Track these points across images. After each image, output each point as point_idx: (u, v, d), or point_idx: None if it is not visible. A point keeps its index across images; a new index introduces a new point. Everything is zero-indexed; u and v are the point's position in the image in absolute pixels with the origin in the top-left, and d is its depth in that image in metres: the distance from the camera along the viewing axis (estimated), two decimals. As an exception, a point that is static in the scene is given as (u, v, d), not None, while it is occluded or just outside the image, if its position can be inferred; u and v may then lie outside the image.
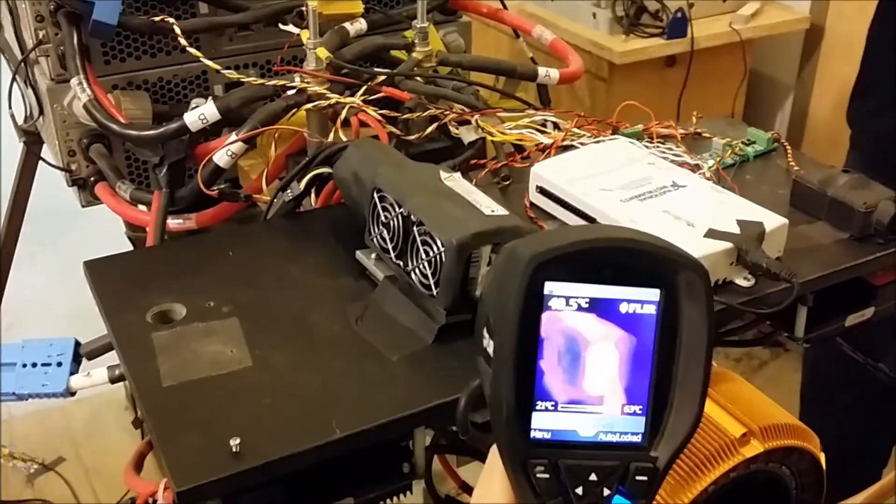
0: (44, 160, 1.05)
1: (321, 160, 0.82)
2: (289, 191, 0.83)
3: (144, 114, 1.02)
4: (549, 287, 0.44)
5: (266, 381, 0.64)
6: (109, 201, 1.02)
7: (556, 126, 0.96)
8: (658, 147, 0.89)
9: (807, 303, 0.76)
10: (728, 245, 0.72)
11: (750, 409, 0.65)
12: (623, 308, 0.45)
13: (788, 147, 0.92)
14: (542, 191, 0.84)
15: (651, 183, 0.80)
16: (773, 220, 0.75)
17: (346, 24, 1.00)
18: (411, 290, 0.71)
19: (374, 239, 0.74)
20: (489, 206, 0.70)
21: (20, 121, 1.19)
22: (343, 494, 0.64)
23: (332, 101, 0.90)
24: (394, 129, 0.91)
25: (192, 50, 0.93)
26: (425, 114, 0.93)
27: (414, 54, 0.97)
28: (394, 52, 1.05)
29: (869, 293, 0.80)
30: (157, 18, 0.97)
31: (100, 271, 0.76)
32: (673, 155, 0.88)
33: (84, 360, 0.83)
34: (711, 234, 0.72)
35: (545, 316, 0.44)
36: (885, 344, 0.88)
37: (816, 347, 0.76)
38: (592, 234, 0.46)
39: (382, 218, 0.73)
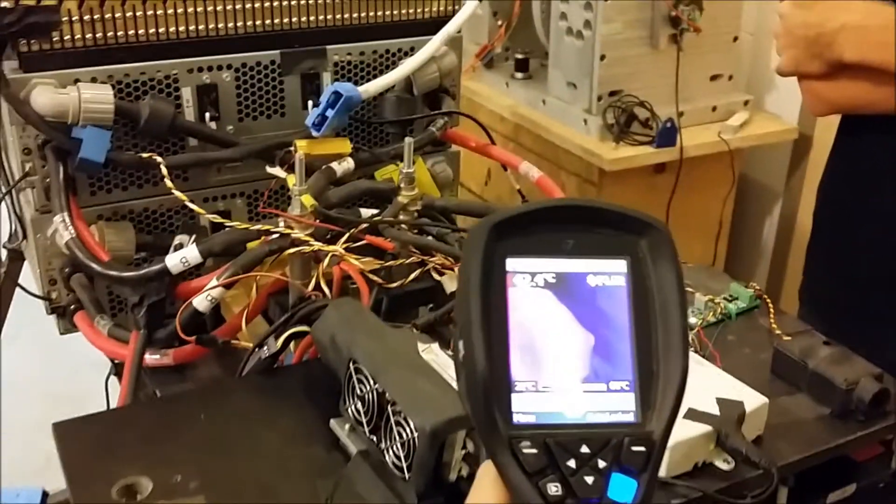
0: (22, 287, 1.04)
1: (299, 318, 0.81)
2: (265, 347, 0.82)
3: (127, 246, 1.01)
4: (512, 264, 0.43)
5: (229, 570, 0.63)
6: (88, 332, 1.00)
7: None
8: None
9: (787, 483, 0.75)
10: (707, 428, 0.71)
11: None
12: (591, 281, 0.43)
13: (771, 305, 0.92)
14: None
15: (631, 352, 0.79)
16: (753, 400, 0.74)
17: (334, 164, 1.00)
18: (384, 468, 0.69)
19: (349, 409, 0.73)
20: (466, 383, 0.69)
21: (3, 238, 1.19)
22: None
23: (315, 248, 0.90)
24: (375, 279, 0.91)
25: (178, 193, 0.94)
26: (408, 261, 0.92)
27: (399, 198, 0.97)
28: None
29: (851, 469, 0.79)
30: (145, 155, 0.98)
31: (68, 435, 0.74)
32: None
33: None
34: (691, 414, 0.72)
35: (511, 294, 0.42)
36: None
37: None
38: (550, 203, 0.45)
39: (358, 391, 0.72)
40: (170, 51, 1.00)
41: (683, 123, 2.00)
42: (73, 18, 0.95)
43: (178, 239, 0.98)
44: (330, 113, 0.97)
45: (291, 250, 0.91)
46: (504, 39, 2.25)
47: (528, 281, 0.43)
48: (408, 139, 0.95)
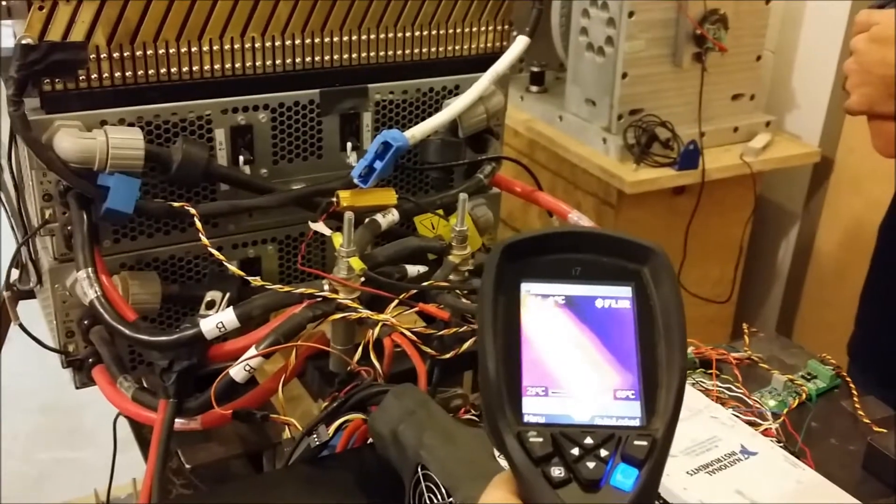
0: (36, 339, 0.96)
1: (353, 405, 0.75)
2: (314, 435, 0.75)
3: (153, 298, 0.94)
4: (526, 287, 0.47)
5: None
6: (108, 392, 0.93)
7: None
8: (716, 384, 0.83)
9: None
10: (811, 548, 0.65)
11: None
12: (599, 304, 0.47)
13: (852, 384, 0.86)
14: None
15: (718, 447, 0.73)
16: (855, 513, 0.68)
17: (378, 217, 0.93)
18: (459, 588, 0.63)
19: (417, 517, 0.67)
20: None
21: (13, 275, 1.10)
22: None
23: (363, 315, 0.83)
24: (428, 349, 0.84)
25: (216, 252, 0.86)
26: (462, 330, 0.86)
27: (450, 258, 0.90)
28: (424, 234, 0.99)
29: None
30: (176, 204, 0.90)
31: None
32: (730, 394, 0.82)
33: None
34: (791, 531, 0.66)
35: (524, 313, 0.47)
36: None
37: None
38: (559, 230, 0.49)
39: (427, 499, 0.65)
40: (203, 90, 0.92)
41: (705, 144, 1.94)
42: (102, 56, 0.87)
43: (209, 295, 0.91)
44: (378, 164, 0.90)
45: (336, 316, 0.84)
46: (520, 51, 2.18)
47: (541, 301, 0.47)
48: (462, 195, 0.88)
